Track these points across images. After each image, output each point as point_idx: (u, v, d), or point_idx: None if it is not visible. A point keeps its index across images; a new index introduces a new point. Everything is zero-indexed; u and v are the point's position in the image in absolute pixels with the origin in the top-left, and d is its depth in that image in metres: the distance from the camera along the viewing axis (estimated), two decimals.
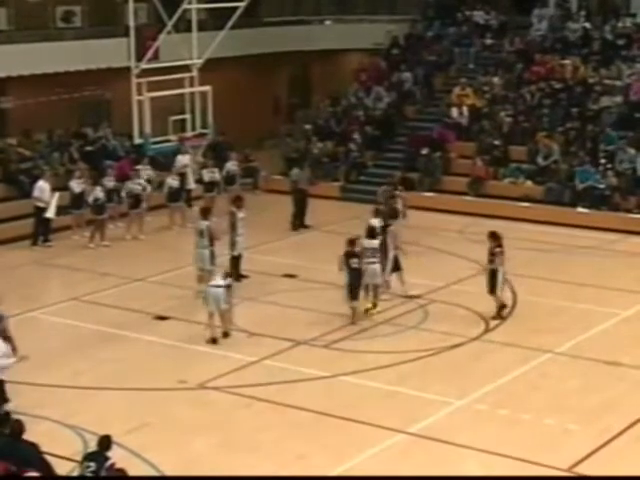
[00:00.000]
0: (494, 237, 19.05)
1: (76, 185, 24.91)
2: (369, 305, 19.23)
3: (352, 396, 15.63)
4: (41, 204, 24.18)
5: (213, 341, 17.73)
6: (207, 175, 27.23)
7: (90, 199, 24.50)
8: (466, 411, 15.06)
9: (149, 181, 26.41)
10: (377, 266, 19.15)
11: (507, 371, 16.43)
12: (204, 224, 20.46)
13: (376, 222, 20.16)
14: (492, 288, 18.81)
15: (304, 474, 13.15)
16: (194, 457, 13.58)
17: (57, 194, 24.36)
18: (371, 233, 19.44)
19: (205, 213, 20.82)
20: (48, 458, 11.66)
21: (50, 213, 24.18)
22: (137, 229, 25.09)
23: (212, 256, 20.25)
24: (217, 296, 17.67)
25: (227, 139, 30.07)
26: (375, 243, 19.27)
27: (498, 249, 18.61)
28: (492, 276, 18.81)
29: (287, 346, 17.62)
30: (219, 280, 17.88)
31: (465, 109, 30.01)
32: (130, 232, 24.98)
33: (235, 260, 21.04)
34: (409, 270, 20.11)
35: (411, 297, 19.75)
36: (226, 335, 17.94)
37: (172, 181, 26.39)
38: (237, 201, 21.57)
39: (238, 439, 14.18)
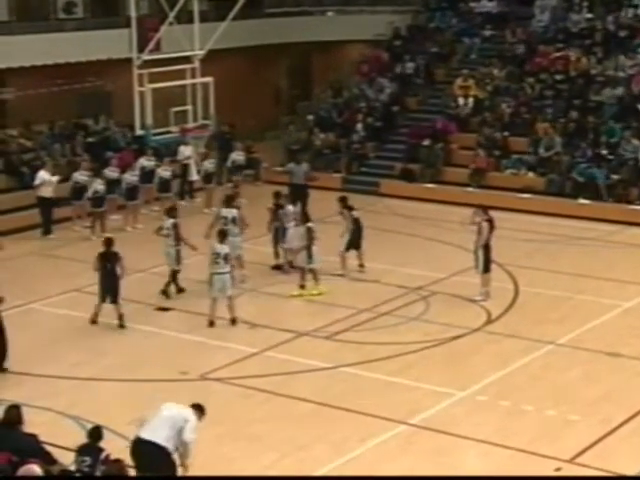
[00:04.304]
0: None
1: (80, 177, 24.93)
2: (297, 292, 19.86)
3: (354, 387, 15.64)
4: (45, 194, 24.20)
5: (211, 324, 18.06)
6: (206, 166, 27.21)
7: (90, 192, 24.51)
8: (468, 402, 15.07)
9: (151, 172, 26.39)
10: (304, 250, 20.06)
11: (508, 362, 16.45)
12: (233, 212, 20.58)
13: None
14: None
15: (305, 465, 13.17)
16: (195, 447, 13.57)
17: (57, 177, 24.53)
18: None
19: (229, 201, 20.94)
20: (50, 449, 11.65)
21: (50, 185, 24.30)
22: (133, 219, 25.14)
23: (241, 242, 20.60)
24: (223, 282, 17.94)
25: (231, 130, 30.05)
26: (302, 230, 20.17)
27: None
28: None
29: (289, 337, 17.64)
30: (224, 267, 18.07)
31: (471, 100, 30.02)
32: (128, 223, 25.03)
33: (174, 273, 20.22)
34: (411, 261, 20.12)
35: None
36: (234, 322, 18.14)
37: (164, 172, 26.36)
38: (170, 211, 20.46)
39: (239, 430, 14.20)
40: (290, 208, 21.27)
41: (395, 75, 32.34)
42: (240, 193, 23.50)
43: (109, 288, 18.23)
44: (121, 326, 18.25)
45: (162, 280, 20.40)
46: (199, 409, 12.09)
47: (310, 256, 19.93)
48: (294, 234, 20.52)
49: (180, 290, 19.98)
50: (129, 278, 19.68)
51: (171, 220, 19.92)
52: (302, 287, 19.94)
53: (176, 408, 12.01)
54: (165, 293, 19.82)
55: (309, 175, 25.70)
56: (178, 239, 19.80)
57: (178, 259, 19.89)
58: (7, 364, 16.26)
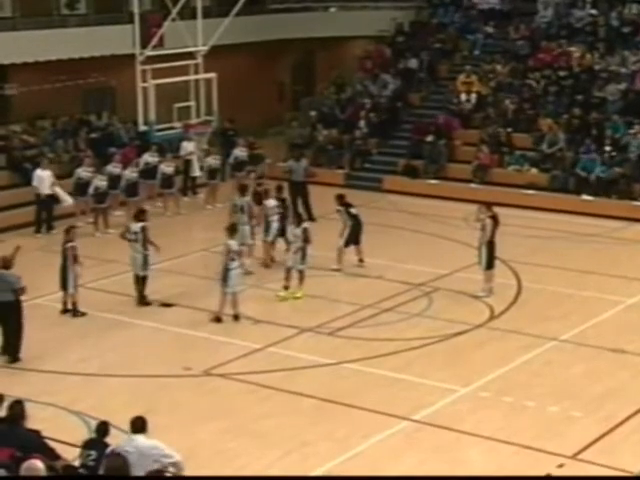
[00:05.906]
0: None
1: (83, 172, 24.93)
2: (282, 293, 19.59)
3: (357, 383, 15.65)
4: (44, 192, 24.21)
5: (218, 320, 18.02)
6: (209, 162, 27.24)
7: (91, 189, 24.51)
8: (470, 398, 15.08)
9: (154, 168, 26.37)
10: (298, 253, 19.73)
11: (511, 358, 16.44)
12: (243, 201, 20.96)
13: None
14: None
15: (308, 462, 13.17)
16: (199, 443, 13.60)
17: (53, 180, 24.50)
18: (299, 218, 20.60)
19: (243, 190, 21.37)
20: (53, 444, 11.66)
21: (66, 202, 24.32)
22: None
23: (252, 232, 20.92)
24: (237, 278, 18.08)
25: (234, 126, 30.07)
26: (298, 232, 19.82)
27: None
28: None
29: (292, 333, 17.65)
30: (238, 261, 18.22)
31: (473, 96, 30.01)
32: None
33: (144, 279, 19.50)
34: (414, 257, 20.09)
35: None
36: (237, 318, 18.16)
37: (166, 168, 26.34)
38: (139, 215, 19.58)
39: (243, 426, 14.21)
40: (271, 202, 21.25)
41: (398, 71, 32.32)
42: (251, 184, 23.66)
43: (61, 276, 18.62)
44: (75, 314, 18.51)
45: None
46: (141, 423, 11.23)
47: (304, 257, 19.68)
48: (290, 232, 20.37)
49: (142, 299, 19.18)
50: (132, 274, 19.67)
51: (140, 224, 19.17)
52: (286, 288, 19.54)
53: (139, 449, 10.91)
54: (142, 300, 19.09)
55: (309, 172, 25.71)
56: (146, 244, 19.11)
57: (145, 264, 19.17)
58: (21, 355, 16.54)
